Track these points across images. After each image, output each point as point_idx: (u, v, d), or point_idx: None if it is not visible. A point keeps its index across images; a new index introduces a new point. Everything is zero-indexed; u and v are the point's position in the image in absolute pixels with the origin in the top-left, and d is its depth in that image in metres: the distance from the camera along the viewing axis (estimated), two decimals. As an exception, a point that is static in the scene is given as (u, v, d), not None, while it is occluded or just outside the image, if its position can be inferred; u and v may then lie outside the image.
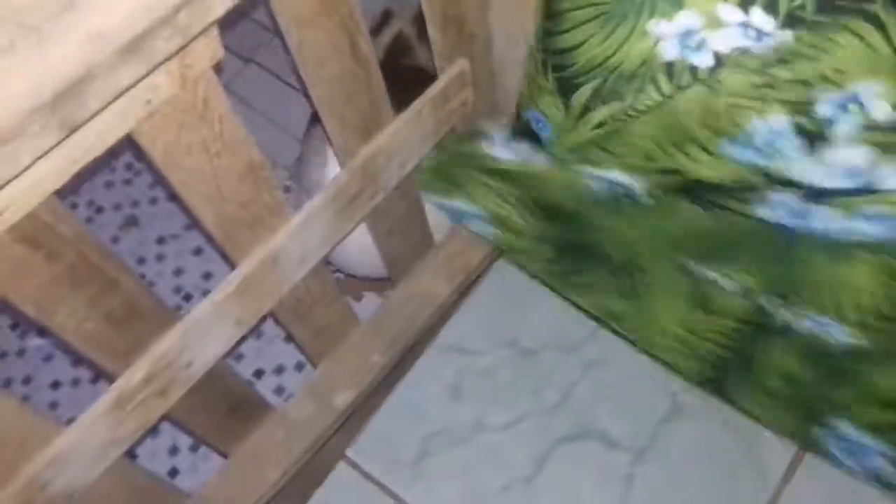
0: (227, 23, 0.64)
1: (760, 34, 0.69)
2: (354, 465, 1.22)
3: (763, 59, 0.71)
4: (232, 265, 0.91)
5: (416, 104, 1.03)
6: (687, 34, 0.74)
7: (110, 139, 0.64)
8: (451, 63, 1.05)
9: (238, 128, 0.78)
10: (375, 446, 1.23)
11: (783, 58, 0.70)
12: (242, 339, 0.99)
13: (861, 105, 0.69)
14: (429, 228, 1.25)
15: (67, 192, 1.50)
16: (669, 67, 0.77)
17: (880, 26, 0.64)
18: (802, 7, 0.66)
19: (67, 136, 0.55)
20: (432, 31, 0.99)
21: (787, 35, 0.68)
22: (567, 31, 0.82)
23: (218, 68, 0.71)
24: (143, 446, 1.27)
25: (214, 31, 0.66)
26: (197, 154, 0.75)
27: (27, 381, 1.37)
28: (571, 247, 1.10)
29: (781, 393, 1.04)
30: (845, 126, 0.71)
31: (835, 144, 0.73)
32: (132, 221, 1.51)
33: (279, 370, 1.33)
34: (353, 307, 1.25)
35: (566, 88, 0.87)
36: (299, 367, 1.34)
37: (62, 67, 0.52)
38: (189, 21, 0.58)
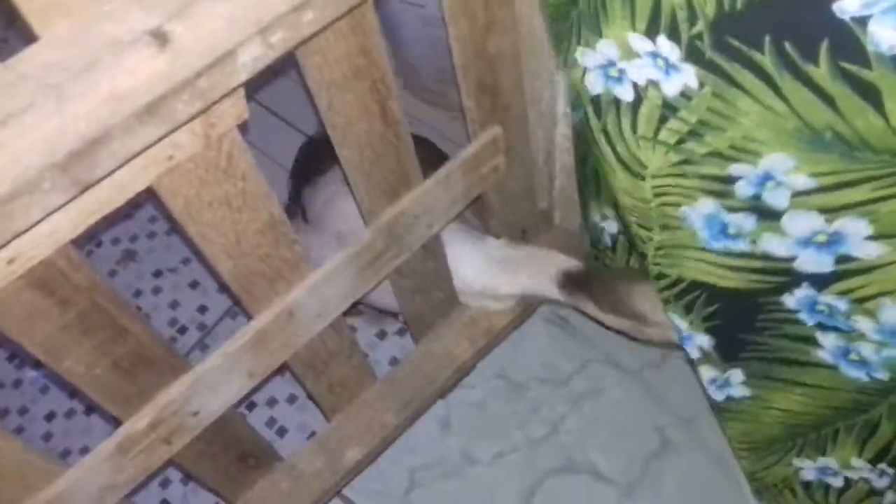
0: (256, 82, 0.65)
1: (668, 66, 0.68)
2: (346, 500, 1.22)
3: (673, 102, 0.70)
4: (248, 316, 0.91)
5: (447, 167, 1.03)
6: (608, 64, 0.74)
7: (129, 193, 0.65)
8: (484, 129, 1.05)
9: (261, 184, 0.78)
10: (366, 479, 1.23)
11: (694, 108, 0.69)
12: (254, 390, 0.99)
13: (778, 182, 0.68)
14: (453, 289, 1.24)
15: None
16: (596, 101, 0.78)
17: (771, 84, 0.61)
18: (700, 37, 0.64)
19: (80, 193, 0.56)
20: (466, 98, 0.99)
21: (691, 73, 0.66)
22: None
23: (243, 126, 0.71)
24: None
25: (240, 93, 0.67)
26: (218, 208, 0.76)
27: (23, 411, 1.39)
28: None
29: None
30: (774, 199, 0.70)
31: (778, 214, 0.71)
32: (130, 255, 1.55)
33: (271, 402, 1.34)
34: (376, 346, 1.24)
35: None
36: (291, 399, 1.34)
37: (79, 127, 0.53)
38: (210, 85, 0.58)
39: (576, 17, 0.75)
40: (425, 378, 1.23)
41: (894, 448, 0.89)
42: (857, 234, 0.69)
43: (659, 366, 1.30)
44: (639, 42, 0.68)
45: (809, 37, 0.57)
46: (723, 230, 0.77)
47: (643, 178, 0.79)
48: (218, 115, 0.66)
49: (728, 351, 0.91)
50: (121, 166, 0.58)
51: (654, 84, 0.70)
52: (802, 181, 0.67)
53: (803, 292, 0.78)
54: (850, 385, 0.84)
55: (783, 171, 0.66)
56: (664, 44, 0.66)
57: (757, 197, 0.71)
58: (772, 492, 1.08)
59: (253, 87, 1.65)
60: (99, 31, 0.54)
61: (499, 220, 1.21)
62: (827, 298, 0.76)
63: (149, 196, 0.69)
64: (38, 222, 0.55)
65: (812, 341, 0.82)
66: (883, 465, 0.93)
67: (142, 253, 1.55)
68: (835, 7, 0.53)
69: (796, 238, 0.73)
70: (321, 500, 1.15)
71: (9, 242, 0.54)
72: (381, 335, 1.39)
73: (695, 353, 0.94)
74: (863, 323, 0.76)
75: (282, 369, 1.02)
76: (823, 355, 0.83)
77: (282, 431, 1.32)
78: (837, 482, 0.99)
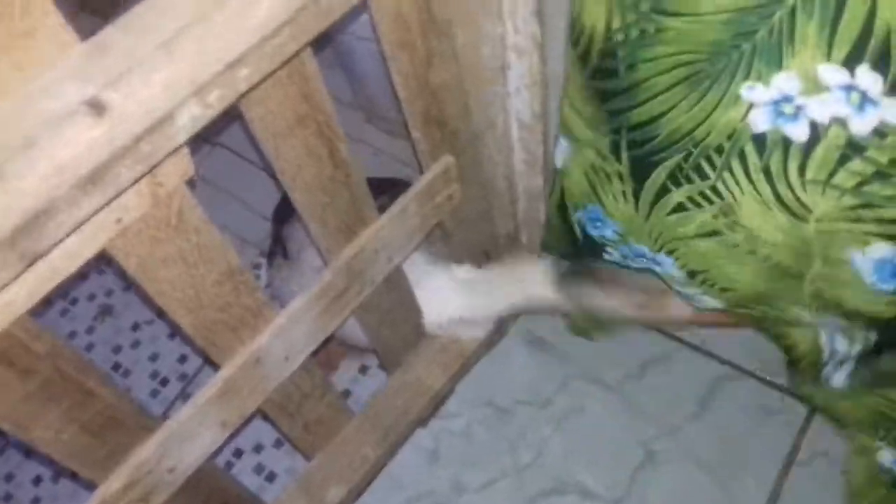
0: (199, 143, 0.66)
1: (864, 100, 0.63)
2: None
3: (861, 141, 0.65)
4: (215, 367, 0.91)
5: (401, 201, 1.04)
6: (783, 100, 0.68)
7: (81, 259, 0.66)
8: (435, 159, 1.06)
9: (215, 236, 0.79)
10: None
11: (888, 146, 0.63)
12: (230, 439, 0.99)
13: None
14: (421, 319, 1.25)
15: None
16: (760, 139, 0.71)
17: None
18: None
19: (29, 266, 0.56)
20: (414, 131, 1.01)
21: (892, 108, 0.62)
22: (646, 101, 0.76)
23: (191, 183, 0.73)
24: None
25: (184, 151, 0.68)
26: (173, 265, 0.76)
27: (9, 478, 1.38)
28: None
29: None
30: None
31: None
32: (106, 311, 1.55)
33: (258, 448, 1.34)
34: (358, 381, 1.25)
35: (642, 168, 0.80)
36: (278, 444, 1.34)
37: (24, 203, 0.54)
38: (152, 149, 0.60)
39: (749, 48, 0.68)
40: (401, 409, 1.24)
41: None
42: None
43: (639, 378, 1.32)
44: (831, 74, 0.64)
45: None
46: (894, 273, 0.73)
47: (806, 221, 0.74)
48: (164, 175, 0.67)
49: None
50: (68, 235, 0.59)
51: (839, 122, 0.66)
52: None
53: None
54: None
55: None
56: (865, 75, 0.62)
57: None
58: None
59: (215, 131, 1.69)
60: (35, 107, 0.55)
61: (459, 244, 1.23)
62: None
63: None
64: (-11, 298, 0.55)
65: None
66: None
67: (119, 307, 1.56)
68: None
69: None
70: (307, 542, 1.15)
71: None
72: (363, 370, 1.39)
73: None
74: None
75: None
76: None
77: (271, 477, 1.32)
78: None
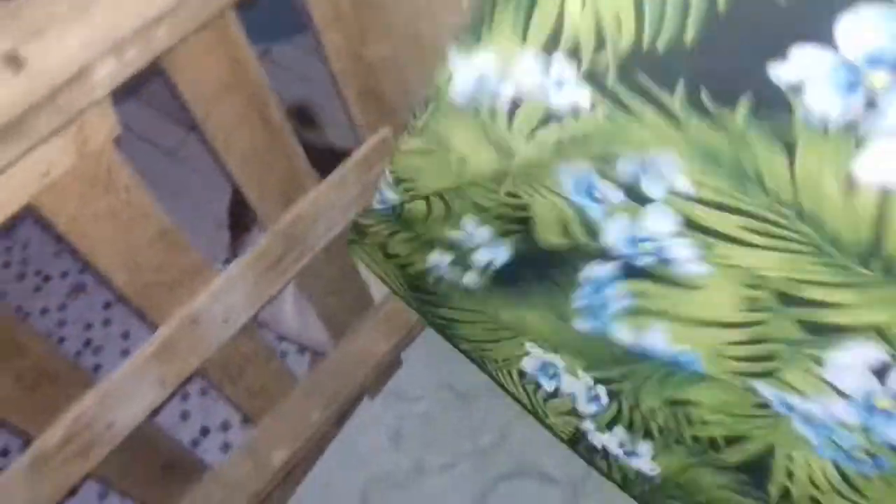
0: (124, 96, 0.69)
1: (560, 81, 0.71)
2: None
3: (560, 114, 0.73)
4: (153, 327, 0.94)
5: (340, 170, 1.08)
6: (484, 78, 0.77)
7: (8, 210, 0.69)
8: (373, 132, 1.10)
9: (145, 195, 0.82)
10: (317, 495, 1.25)
11: (581, 124, 0.71)
12: (172, 398, 1.02)
13: (660, 174, 0.70)
14: (366, 288, 1.29)
15: (17, 261, 1.56)
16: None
17: (674, 121, 0.64)
18: (604, 65, 0.66)
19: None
20: (350, 105, 1.04)
21: (585, 94, 0.69)
22: None
23: (118, 141, 0.76)
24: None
25: (107, 109, 0.71)
26: (105, 223, 0.80)
27: None
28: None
29: None
30: (650, 187, 0.73)
31: (646, 201, 0.75)
32: (79, 288, 1.57)
33: (225, 426, 1.37)
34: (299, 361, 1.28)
35: None
36: (245, 422, 1.36)
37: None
38: (69, 102, 0.63)
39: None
40: (346, 377, 1.27)
41: (615, 373, 0.96)
42: (687, 258, 0.74)
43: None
44: (529, 58, 0.71)
45: (732, 90, 0.60)
46: (589, 191, 0.81)
47: (510, 158, 0.83)
48: (89, 131, 0.71)
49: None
50: (-10, 184, 0.62)
51: (541, 91, 0.73)
52: (683, 183, 0.69)
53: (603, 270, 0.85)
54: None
55: (669, 167, 0.69)
56: (561, 62, 0.69)
57: (635, 177, 0.73)
58: (489, 367, 1.13)
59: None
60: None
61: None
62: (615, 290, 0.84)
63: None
64: None
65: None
66: (600, 388, 0.99)
67: (91, 285, 1.58)
68: (770, 72, 0.57)
69: (651, 229, 0.77)
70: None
71: None
72: (301, 350, 1.42)
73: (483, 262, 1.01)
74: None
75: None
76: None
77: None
78: (549, 386, 1.06)
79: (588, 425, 1.05)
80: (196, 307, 0.95)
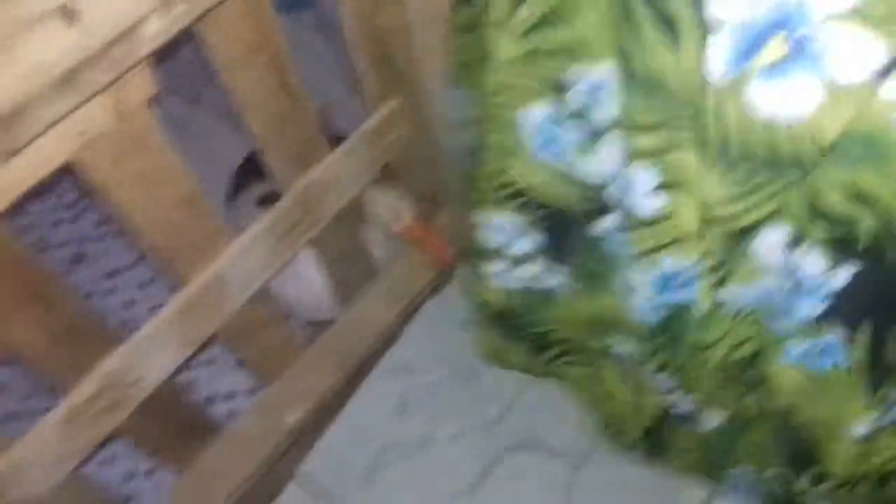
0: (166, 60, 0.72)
1: None
2: (306, 483, 1.27)
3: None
4: (176, 288, 0.97)
5: (351, 139, 1.11)
6: None
7: (49, 167, 0.71)
8: (383, 101, 1.13)
9: (175, 159, 0.85)
10: (326, 463, 1.28)
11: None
12: (192, 358, 1.05)
13: (607, 95, 0.74)
14: (372, 257, 1.32)
15: (16, 231, 1.56)
16: None
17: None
18: None
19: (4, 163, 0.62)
20: (361, 74, 1.07)
21: None
22: None
23: (153, 103, 0.78)
24: (98, 474, 1.31)
25: (146, 68, 0.73)
26: (136, 183, 0.82)
27: None
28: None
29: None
30: (599, 114, 0.76)
31: (599, 133, 0.78)
32: (80, 258, 1.57)
33: (231, 396, 1.39)
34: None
35: None
36: (251, 392, 1.39)
37: (2, 97, 0.59)
38: (121, 56, 0.65)
39: None
40: (354, 342, 1.31)
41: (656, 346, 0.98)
42: (644, 184, 0.77)
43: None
44: None
45: None
46: (550, 142, 0.84)
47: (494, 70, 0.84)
48: (128, 90, 0.73)
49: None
50: (40, 136, 0.64)
51: None
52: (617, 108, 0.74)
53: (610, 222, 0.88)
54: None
55: (611, 86, 0.73)
56: None
57: (587, 107, 0.77)
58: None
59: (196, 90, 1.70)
60: (10, 12, 0.60)
61: (409, 186, 1.30)
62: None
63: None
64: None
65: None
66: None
67: (92, 255, 1.58)
68: None
69: (607, 166, 0.81)
70: (267, 463, 1.21)
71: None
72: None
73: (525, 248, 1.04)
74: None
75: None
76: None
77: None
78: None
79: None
80: (218, 269, 0.98)
